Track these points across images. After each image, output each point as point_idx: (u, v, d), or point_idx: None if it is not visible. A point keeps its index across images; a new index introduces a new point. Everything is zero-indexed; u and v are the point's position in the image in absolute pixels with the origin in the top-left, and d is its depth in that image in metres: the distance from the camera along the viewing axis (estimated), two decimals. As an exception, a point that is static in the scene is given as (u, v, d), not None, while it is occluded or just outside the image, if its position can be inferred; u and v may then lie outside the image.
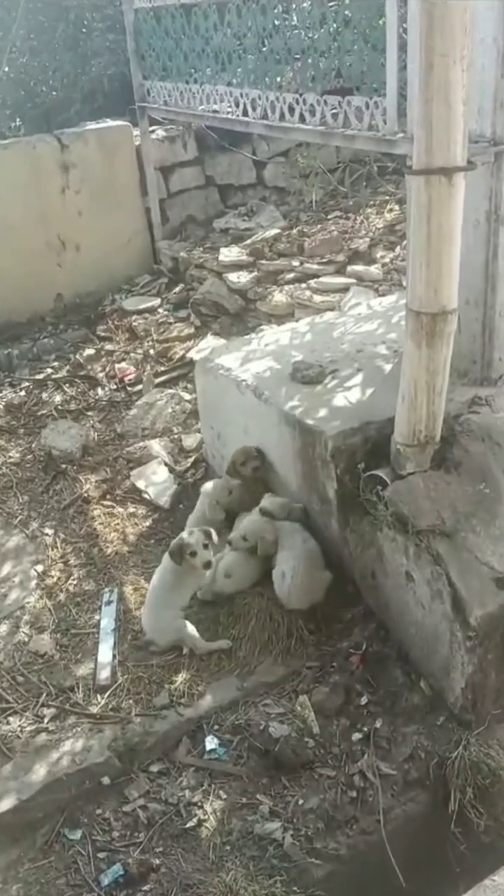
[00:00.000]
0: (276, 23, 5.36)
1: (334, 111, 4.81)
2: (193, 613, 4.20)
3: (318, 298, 6.37)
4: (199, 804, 3.37)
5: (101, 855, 3.24)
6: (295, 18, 5.27)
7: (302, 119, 5.12)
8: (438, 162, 3.11)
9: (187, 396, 6.05)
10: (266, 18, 5.40)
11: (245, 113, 5.78)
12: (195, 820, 3.32)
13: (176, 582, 4.13)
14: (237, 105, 5.87)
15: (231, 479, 4.55)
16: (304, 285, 6.67)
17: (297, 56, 5.26)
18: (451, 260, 3.29)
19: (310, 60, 5.10)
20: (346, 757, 3.51)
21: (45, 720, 3.71)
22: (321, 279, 6.64)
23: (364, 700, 3.70)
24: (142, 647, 4.08)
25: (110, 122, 8.12)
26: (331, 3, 4.89)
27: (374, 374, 4.44)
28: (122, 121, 8.10)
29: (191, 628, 4.03)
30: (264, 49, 5.56)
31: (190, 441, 5.56)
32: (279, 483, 4.48)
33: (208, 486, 4.67)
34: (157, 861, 3.20)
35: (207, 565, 4.06)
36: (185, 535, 4.13)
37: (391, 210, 7.55)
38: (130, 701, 3.77)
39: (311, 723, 3.62)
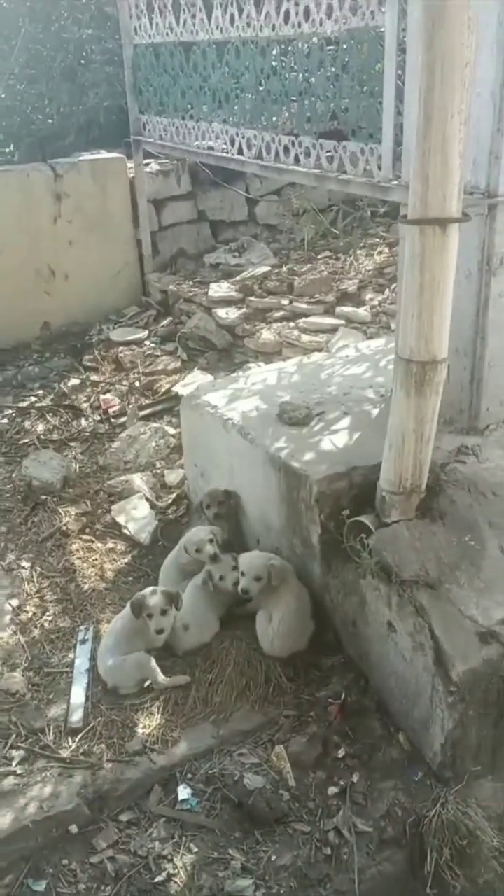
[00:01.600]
0: (274, 64, 5.40)
1: (329, 154, 4.84)
2: (170, 657, 4.12)
3: (305, 338, 6.37)
4: (170, 857, 3.26)
5: (65, 909, 3.12)
6: (293, 61, 5.32)
7: (297, 161, 5.14)
8: (434, 212, 3.11)
9: (172, 431, 6.00)
10: (264, 59, 5.43)
11: (240, 152, 5.80)
12: (164, 874, 3.20)
13: (133, 633, 4.06)
14: (232, 143, 5.90)
15: (212, 529, 4.46)
16: (292, 324, 6.67)
17: (294, 98, 5.30)
18: (443, 310, 3.29)
19: (306, 103, 5.13)
20: (322, 812, 3.42)
21: (14, 763, 3.59)
22: (310, 319, 6.64)
23: (341, 752, 3.61)
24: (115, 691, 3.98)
25: (105, 154, 8.16)
26: (329, 48, 4.93)
27: (361, 418, 4.41)
28: (116, 152, 8.13)
29: (152, 662, 3.95)
30: (261, 89, 5.60)
31: (173, 477, 5.50)
32: (261, 525, 4.42)
33: (190, 534, 4.49)
34: (124, 917, 3.08)
35: (160, 632, 4.02)
36: (147, 593, 4.05)
37: (381, 252, 7.60)
38: (102, 745, 3.66)
39: (287, 775, 3.53)
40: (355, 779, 3.52)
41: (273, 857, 3.27)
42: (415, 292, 3.26)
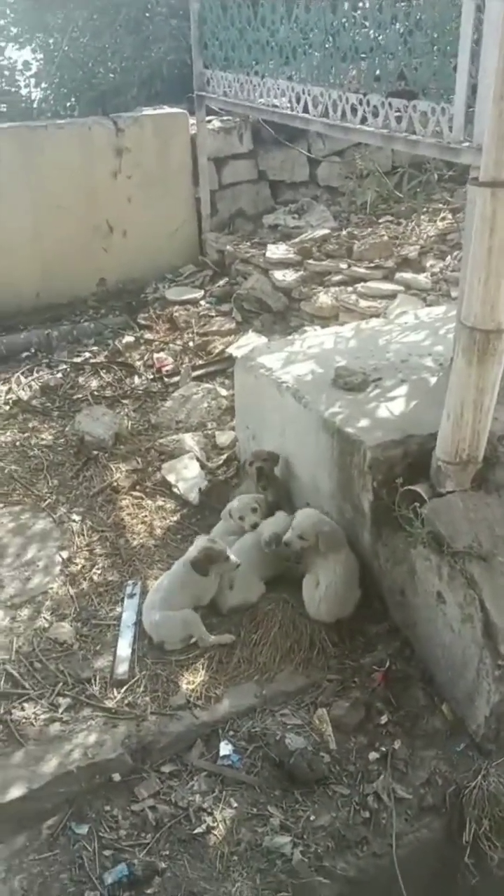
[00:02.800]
0: (344, 20, 5.28)
1: (398, 114, 4.73)
2: (217, 614, 4.17)
3: (363, 303, 6.29)
4: (209, 810, 3.33)
5: (106, 853, 3.21)
6: (364, 16, 5.19)
7: (364, 120, 5.04)
8: (507, 175, 3.03)
9: (224, 392, 6.00)
10: (335, 14, 5.32)
11: (305, 110, 5.71)
12: (204, 826, 3.27)
13: (181, 589, 4.10)
14: (298, 101, 5.80)
15: (256, 497, 4.49)
16: (350, 289, 6.59)
17: (364, 55, 5.18)
18: (510, 277, 3.21)
19: (376, 60, 5.01)
20: (362, 776, 3.45)
21: (60, 710, 3.68)
22: (368, 284, 6.55)
23: (384, 719, 3.64)
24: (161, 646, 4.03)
25: (167, 109, 8.08)
26: (402, 3, 4.80)
27: (419, 386, 4.36)
28: (178, 108, 8.05)
29: (199, 620, 4.01)
30: (330, 45, 5.48)
31: (224, 438, 5.51)
32: (311, 489, 4.41)
33: (235, 501, 4.54)
34: (163, 864, 3.15)
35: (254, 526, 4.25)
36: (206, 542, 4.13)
37: (444, 218, 7.44)
38: (147, 698, 3.72)
39: (329, 737, 3.56)
40: (397, 746, 3.55)
41: (311, 817, 3.32)
42: (482, 257, 3.18)
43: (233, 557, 4.08)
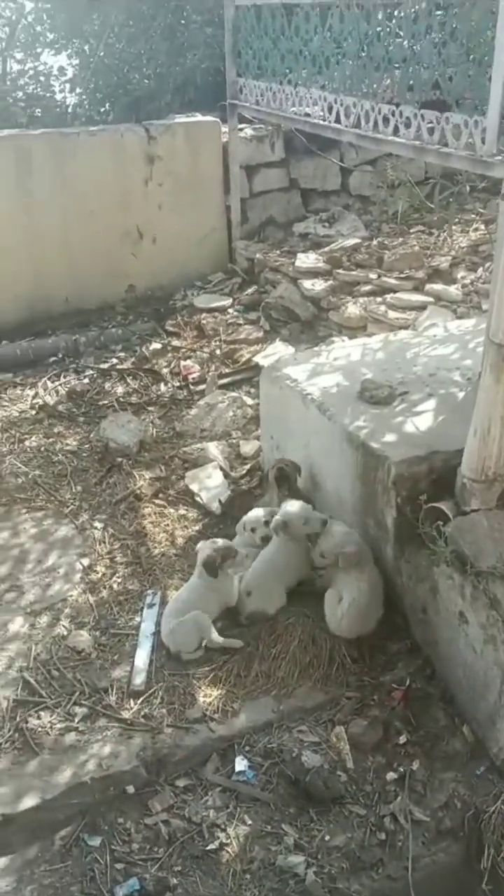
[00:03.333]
0: (379, 29, 5.24)
1: (431, 126, 4.68)
2: (237, 627, 4.15)
3: (392, 314, 6.25)
4: (223, 827, 3.30)
5: (118, 866, 3.19)
6: (398, 26, 5.15)
7: (396, 131, 5.00)
8: (539, 191, 2.98)
9: (250, 401, 5.98)
10: (369, 24, 5.28)
11: (338, 120, 5.68)
12: (217, 843, 3.25)
13: (200, 598, 4.10)
14: (330, 111, 5.77)
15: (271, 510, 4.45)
16: (379, 299, 6.54)
17: (397, 65, 5.14)
18: (541, 293, 3.16)
19: (410, 70, 4.97)
20: (379, 797, 3.41)
21: (76, 719, 3.67)
22: (398, 295, 6.51)
23: (403, 739, 3.59)
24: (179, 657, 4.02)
25: (199, 117, 8.11)
26: (437, 13, 4.76)
27: (446, 401, 4.31)
28: (211, 116, 8.07)
29: (209, 620, 4.01)
30: (363, 55, 5.45)
31: (248, 448, 5.49)
32: (335, 502, 4.38)
33: (248, 515, 4.54)
34: (175, 880, 3.13)
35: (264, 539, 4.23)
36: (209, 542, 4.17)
37: (476, 229, 7.38)
38: (163, 710, 3.71)
39: (346, 756, 3.52)
40: (415, 767, 3.50)
41: (326, 837, 3.28)
42: (513, 273, 3.14)
43: (240, 550, 4.16)
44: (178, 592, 4.24)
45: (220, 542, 4.19)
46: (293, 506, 4.17)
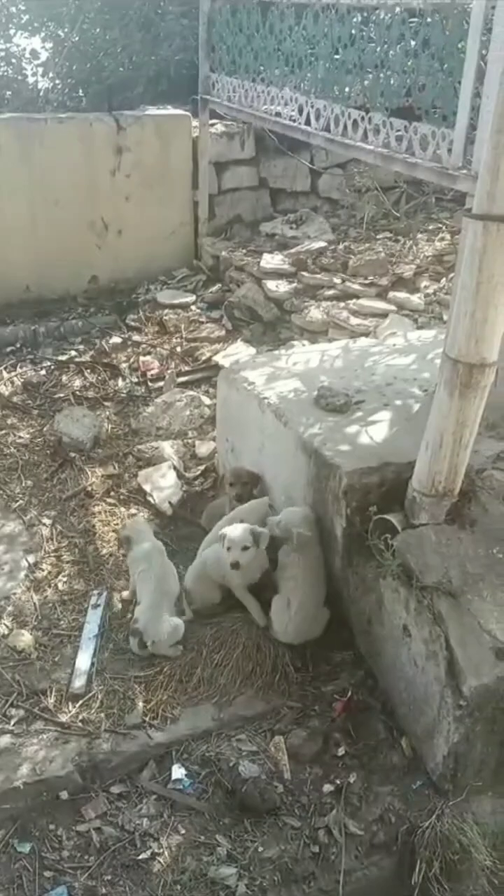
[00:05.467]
0: (353, 32, 5.22)
1: (399, 134, 4.68)
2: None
3: (354, 321, 6.24)
4: (156, 836, 3.26)
5: (47, 874, 3.14)
6: (372, 31, 5.13)
7: (365, 137, 4.99)
8: (500, 209, 2.98)
9: (207, 401, 5.94)
10: (343, 27, 5.26)
11: (308, 122, 5.65)
12: (149, 852, 3.21)
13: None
14: (301, 112, 5.74)
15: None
16: (342, 304, 6.54)
17: (370, 70, 5.13)
18: (497, 311, 3.16)
19: (381, 76, 4.96)
20: (314, 808, 3.39)
21: (12, 722, 3.61)
22: (361, 301, 6.51)
23: (341, 751, 3.58)
24: (123, 658, 3.96)
25: (171, 110, 8.03)
26: (412, 20, 4.75)
27: (401, 412, 4.30)
28: (182, 109, 8.00)
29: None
30: (336, 58, 5.43)
31: (203, 449, 5.45)
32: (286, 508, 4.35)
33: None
34: (104, 890, 3.09)
35: (235, 566, 3.95)
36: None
37: (442, 239, 7.40)
38: (102, 714, 3.66)
39: (284, 767, 3.50)
40: (352, 779, 3.49)
41: (260, 849, 3.25)
42: (471, 290, 3.13)
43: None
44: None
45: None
46: (235, 531, 4.03)
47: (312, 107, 5.56)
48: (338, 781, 3.48)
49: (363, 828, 3.35)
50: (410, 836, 3.31)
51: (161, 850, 3.22)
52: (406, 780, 3.50)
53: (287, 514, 4.03)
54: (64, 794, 3.37)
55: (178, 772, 3.47)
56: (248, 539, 3.95)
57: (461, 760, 3.36)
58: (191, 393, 6.08)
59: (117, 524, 4.88)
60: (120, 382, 6.41)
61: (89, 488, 5.18)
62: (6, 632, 4.09)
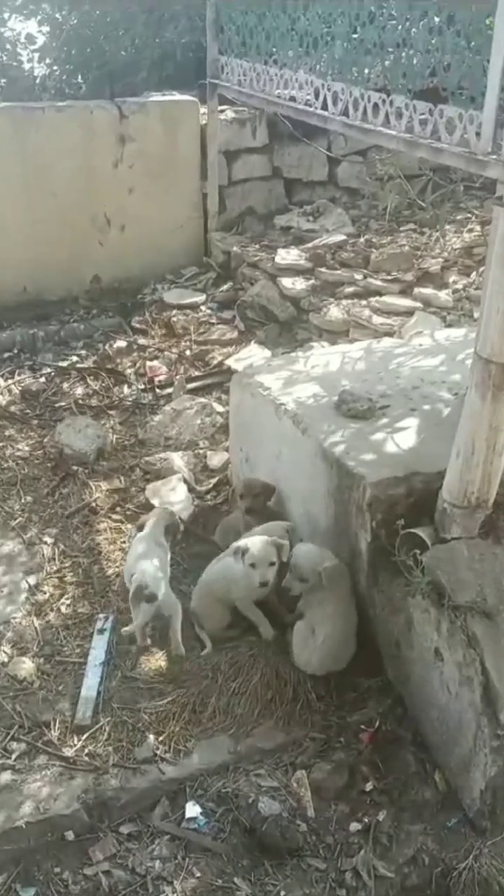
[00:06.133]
0: (372, 9, 5.25)
1: (423, 118, 4.69)
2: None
3: (377, 320, 6.26)
4: (169, 880, 3.27)
5: (52, 921, 3.15)
6: (393, 7, 5.16)
7: (386, 121, 5.00)
8: (533, 197, 2.99)
9: (220, 408, 5.97)
10: (362, 4, 5.29)
11: (324, 106, 5.67)
12: (162, 898, 3.21)
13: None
14: (317, 96, 5.77)
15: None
16: (364, 302, 6.56)
17: (391, 50, 5.15)
18: (533, 307, 3.17)
19: (403, 56, 4.98)
20: (341, 849, 3.38)
21: (13, 756, 3.63)
22: (384, 298, 6.53)
23: (369, 786, 3.58)
24: (131, 686, 3.97)
25: (177, 96, 8.10)
26: (435, -5, 4.77)
27: (429, 417, 4.31)
28: (189, 95, 8.06)
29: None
30: (355, 37, 5.46)
31: (216, 459, 5.48)
32: (305, 524, 4.37)
33: (253, 543, 4.11)
34: (114, 938, 3.10)
35: (264, 584, 4.02)
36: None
37: (471, 230, 7.41)
38: (110, 748, 3.67)
39: (307, 804, 3.50)
40: (381, 817, 3.48)
41: (282, 893, 3.25)
42: (502, 283, 3.14)
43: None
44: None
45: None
46: (256, 545, 4.05)
47: (329, 90, 5.58)
48: (366, 819, 3.47)
49: (394, 870, 3.33)
50: (446, 879, 3.30)
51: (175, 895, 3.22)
52: (440, 818, 3.48)
53: (302, 555, 4.00)
54: (70, 835, 3.38)
55: (192, 810, 3.48)
56: (273, 555, 3.99)
57: (500, 795, 3.35)
58: (202, 400, 6.11)
59: (124, 543, 4.90)
60: (125, 389, 6.45)
61: (93, 504, 5.21)
62: (6, 659, 4.11)
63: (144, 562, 4.25)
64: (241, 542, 4.11)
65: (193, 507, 5.14)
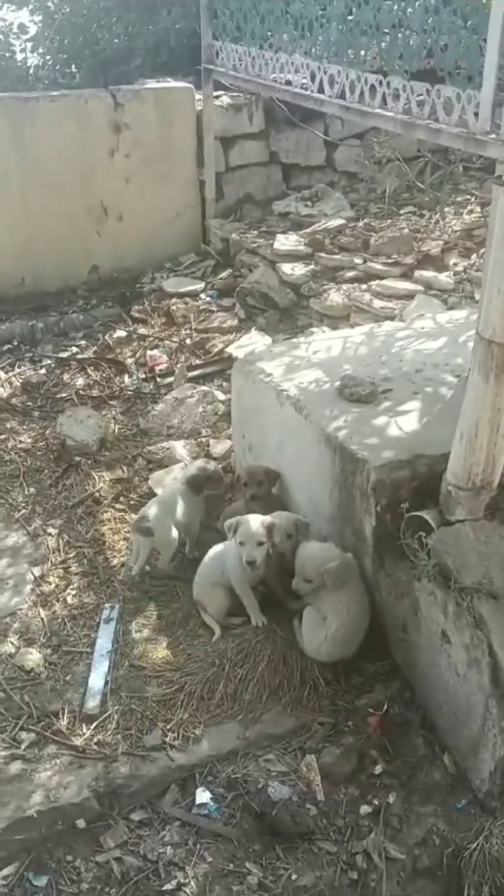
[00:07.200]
0: (367, -11, 5.24)
1: (420, 98, 4.68)
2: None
3: (378, 304, 6.27)
4: (181, 865, 3.29)
5: (65, 908, 3.18)
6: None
7: (384, 103, 5.00)
8: (533, 176, 2.99)
9: (221, 396, 5.98)
10: (356, -16, 5.28)
11: (321, 89, 5.67)
12: (174, 883, 3.24)
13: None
14: (313, 79, 5.76)
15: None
16: (364, 286, 6.57)
17: (387, 31, 5.14)
18: (533, 287, 3.17)
19: (399, 36, 4.97)
20: (351, 832, 3.41)
21: (23, 746, 3.66)
22: (384, 282, 6.53)
23: (378, 769, 3.60)
24: (139, 675, 4.00)
25: (172, 83, 8.09)
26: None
27: (432, 400, 4.32)
28: (184, 82, 8.05)
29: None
30: (350, 19, 5.45)
31: (219, 448, 5.49)
32: (309, 510, 4.38)
33: (244, 522, 4.17)
34: (127, 924, 3.13)
35: (251, 563, 4.06)
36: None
37: (471, 211, 7.40)
38: (118, 736, 3.70)
39: (316, 788, 3.53)
40: (391, 799, 3.51)
41: (293, 877, 3.27)
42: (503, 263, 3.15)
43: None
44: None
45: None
46: (248, 523, 4.09)
47: (326, 73, 5.57)
48: (376, 802, 3.50)
49: (405, 852, 3.36)
50: (456, 860, 3.32)
51: (187, 881, 3.24)
52: (450, 799, 3.51)
53: (307, 556, 4.01)
54: (81, 823, 3.41)
55: (202, 796, 3.50)
56: (262, 535, 4.03)
57: (509, 776, 3.38)
58: (203, 388, 6.13)
59: (128, 532, 4.92)
60: (126, 379, 6.47)
61: (97, 494, 5.23)
62: (13, 651, 4.14)
63: (154, 502, 4.64)
64: (235, 519, 4.16)
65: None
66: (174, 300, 7.33)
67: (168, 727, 3.74)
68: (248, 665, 3.99)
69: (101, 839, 3.38)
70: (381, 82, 5.00)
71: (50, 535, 4.92)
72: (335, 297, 6.54)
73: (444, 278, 6.48)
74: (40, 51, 10.54)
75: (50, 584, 4.57)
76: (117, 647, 4.15)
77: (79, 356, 6.78)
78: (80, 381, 6.46)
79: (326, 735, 3.74)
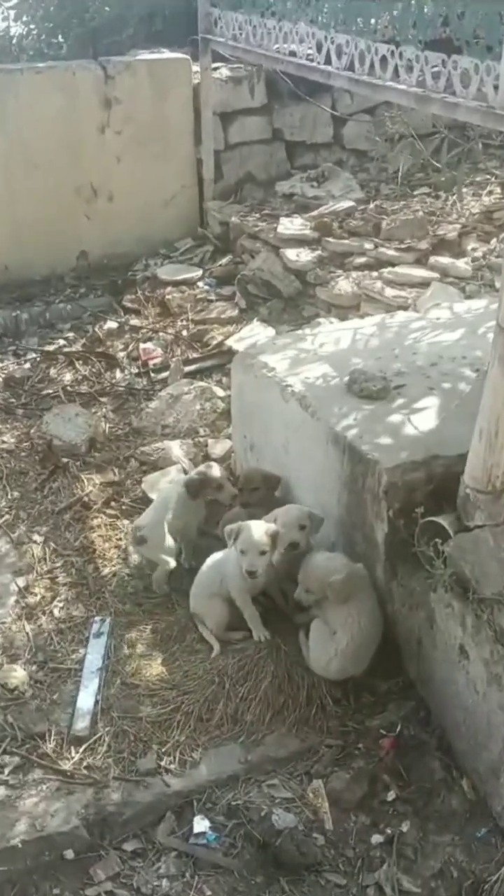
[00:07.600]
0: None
1: (436, 70, 4.71)
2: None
3: (390, 292, 6.28)
4: (178, 899, 3.31)
5: (52, 946, 3.19)
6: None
7: (396, 75, 5.02)
8: None
9: (220, 393, 6.00)
10: None
11: (328, 60, 5.70)
12: (170, 918, 3.25)
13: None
14: (319, 49, 5.79)
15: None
16: (375, 274, 6.59)
17: (398, -3, 5.16)
18: None
19: (412, 4, 4.99)
20: (362, 863, 3.41)
21: (6, 771, 3.66)
22: (397, 269, 6.56)
23: (391, 795, 3.60)
24: (132, 694, 4.01)
25: (167, 54, 8.12)
26: None
27: (449, 396, 4.33)
28: (180, 53, 8.07)
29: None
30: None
31: (218, 448, 5.50)
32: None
33: (245, 528, 4.15)
34: None
35: (251, 573, 4.06)
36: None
37: (491, 192, 7.43)
38: (110, 760, 3.70)
39: (324, 815, 3.53)
40: (405, 828, 3.50)
41: (300, 912, 3.28)
42: (525, 249, 3.16)
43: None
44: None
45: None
46: (250, 531, 4.08)
47: (333, 42, 5.60)
48: (388, 831, 3.50)
49: (420, 884, 3.36)
50: (476, 893, 3.33)
51: (184, 916, 3.26)
52: (469, 828, 3.51)
53: (311, 567, 4.01)
54: (69, 853, 3.41)
55: (200, 824, 3.50)
56: (266, 544, 4.03)
57: (533, 802, 3.39)
58: (200, 384, 6.14)
59: (120, 540, 4.93)
60: (118, 374, 6.49)
61: (86, 499, 5.24)
62: (-5, 667, 4.16)
63: (150, 509, 4.70)
64: (235, 525, 4.16)
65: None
66: (169, 289, 7.36)
67: (163, 750, 3.74)
68: (249, 683, 3.99)
69: (91, 871, 3.37)
70: (392, 53, 5.03)
71: (35, 542, 4.94)
72: (344, 285, 6.56)
73: (462, 265, 6.50)
74: (24, 19, 10.57)
75: (35, 595, 4.58)
76: (108, 663, 4.15)
77: (66, 349, 6.80)
78: (67, 377, 6.48)
79: (335, 758, 3.74)
